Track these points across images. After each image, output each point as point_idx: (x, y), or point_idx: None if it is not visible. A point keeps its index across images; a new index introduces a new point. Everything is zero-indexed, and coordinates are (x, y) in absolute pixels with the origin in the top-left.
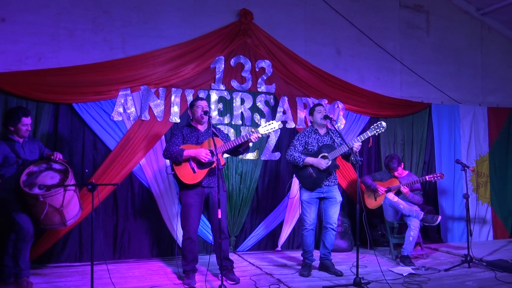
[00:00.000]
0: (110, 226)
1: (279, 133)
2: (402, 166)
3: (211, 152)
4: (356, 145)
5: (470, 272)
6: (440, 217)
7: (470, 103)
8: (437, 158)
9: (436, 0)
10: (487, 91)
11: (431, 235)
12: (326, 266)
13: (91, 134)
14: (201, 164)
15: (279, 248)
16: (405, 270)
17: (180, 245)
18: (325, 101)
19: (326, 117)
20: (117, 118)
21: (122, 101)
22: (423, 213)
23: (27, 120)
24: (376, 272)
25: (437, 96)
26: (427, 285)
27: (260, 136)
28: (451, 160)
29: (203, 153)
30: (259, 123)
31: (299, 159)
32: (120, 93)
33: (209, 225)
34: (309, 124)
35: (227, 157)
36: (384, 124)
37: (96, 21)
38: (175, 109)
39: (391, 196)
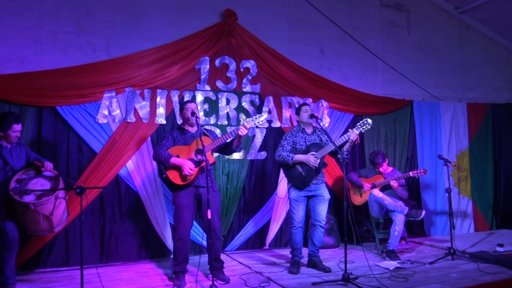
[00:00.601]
0: (97, 229)
1: (264, 132)
2: (387, 162)
3: (199, 151)
4: (353, 136)
5: (454, 264)
6: (424, 212)
7: (450, 99)
8: (419, 154)
9: None
10: (466, 87)
11: (415, 229)
12: (314, 262)
13: (76, 137)
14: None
15: (267, 247)
16: (392, 264)
17: (168, 246)
18: (309, 100)
19: (312, 116)
20: (102, 120)
21: (107, 103)
22: (407, 208)
23: (18, 127)
24: (363, 267)
25: (418, 93)
26: (413, 278)
27: (248, 128)
28: (433, 156)
29: (187, 166)
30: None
31: (288, 157)
32: (104, 95)
33: (198, 227)
34: (295, 123)
35: (215, 157)
36: (369, 121)
37: (79, 24)
38: (161, 110)
39: (376, 192)
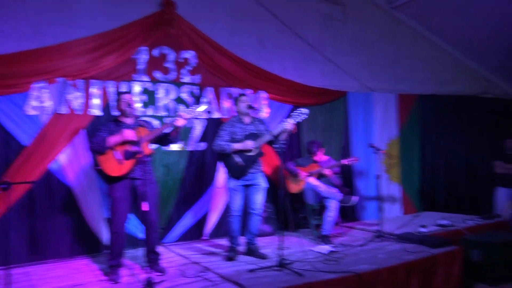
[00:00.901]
0: (25, 226)
1: (204, 123)
2: (323, 151)
3: (135, 142)
4: (288, 125)
5: (381, 246)
6: (357, 198)
7: (383, 90)
8: (354, 142)
9: None
10: (397, 79)
11: (348, 214)
12: (251, 250)
13: (2, 130)
14: (126, 155)
15: (206, 237)
16: (325, 248)
17: (103, 241)
18: (249, 91)
19: (250, 106)
20: (31, 112)
21: (37, 94)
22: (341, 194)
23: None
24: (299, 253)
25: (353, 84)
26: (344, 261)
27: (186, 118)
28: (366, 144)
29: (126, 133)
30: None
31: (227, 146)
32: (34, 85)
33: (135, 219)
34: (234, 114)
35: (154, 148)
36: (304, 110)
37: (5, 9)
38: (96, 101)
39: (312, 180)
